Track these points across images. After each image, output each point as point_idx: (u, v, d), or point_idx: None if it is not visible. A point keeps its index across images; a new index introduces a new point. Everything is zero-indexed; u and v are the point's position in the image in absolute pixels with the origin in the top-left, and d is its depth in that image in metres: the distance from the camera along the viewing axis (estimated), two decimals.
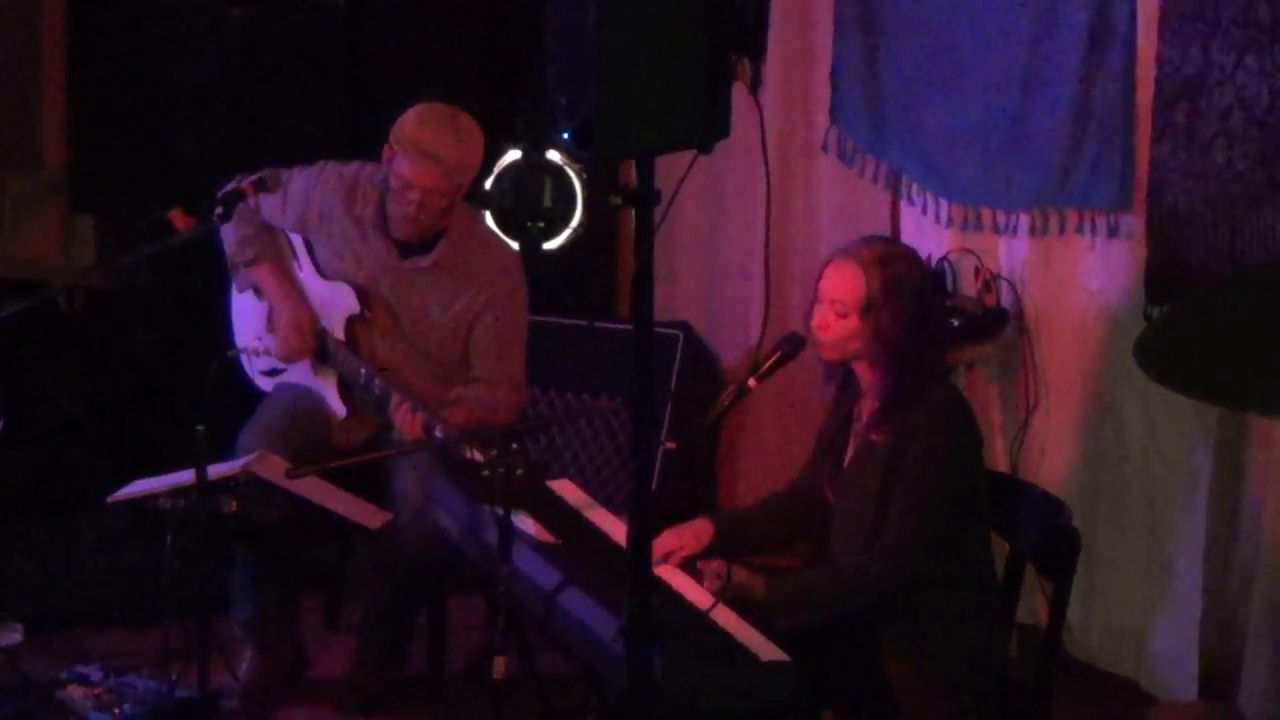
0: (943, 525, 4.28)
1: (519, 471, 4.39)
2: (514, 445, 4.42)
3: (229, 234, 5.37)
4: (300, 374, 5.39)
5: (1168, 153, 5.10)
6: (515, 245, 6.18)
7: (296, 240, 5.40)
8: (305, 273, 5.39)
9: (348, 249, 5.30)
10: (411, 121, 5.15)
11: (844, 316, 4.34)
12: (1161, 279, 5.13)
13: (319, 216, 5.32)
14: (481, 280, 5.26)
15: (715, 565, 4.30)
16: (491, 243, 5.44)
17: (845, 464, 4.48)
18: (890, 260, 4.36)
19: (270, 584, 5.32)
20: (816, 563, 4.55)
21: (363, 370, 5.20)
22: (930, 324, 4.41)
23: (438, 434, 4.95)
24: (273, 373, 5.45)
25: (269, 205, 5.32)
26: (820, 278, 4.41)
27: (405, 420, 5.03)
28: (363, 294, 5.28)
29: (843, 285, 4.34)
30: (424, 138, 5.11)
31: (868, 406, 4.44)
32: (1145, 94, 5.16)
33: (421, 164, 5.10)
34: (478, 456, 4.51)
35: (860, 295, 4.32)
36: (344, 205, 5.30)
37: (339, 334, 5.29)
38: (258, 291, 5.42)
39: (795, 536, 4.67)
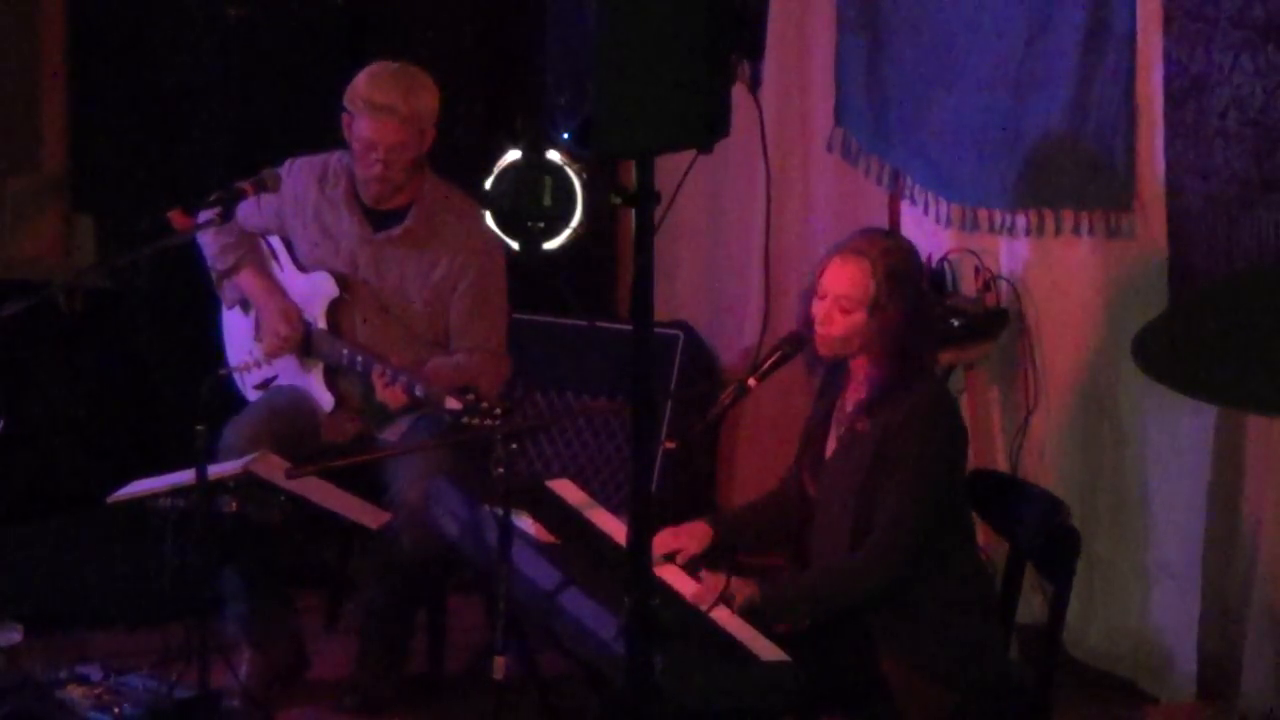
0: (935, 519, 4.28)
1: (499, 410, 4.50)
2: (513, 445, 4.44)
3: (209, 245, 5.41)
4: (288, 374, 5.41)
5: (1181, 151, 5.11)
6: (515, 245, 6.19)
7: (275, 242, 5.43)
8: (285, 272, 5.42)
9: (324, 233, 5.34)
10: (362, 82, 5.22)
11: (849, 313, 4.34)
12: (1183, 279, 5.13)
13: (294, 204, 5.36)
14: (456, 244, 5.29)
15: (714, 580, 4.29)
16: (463, 208, 5.43)
17: (827, 456, 4.48)
18: (892, 253, 4.37)
19: (263, 583, 5.32)
20: (797, 557, 4.55)
21: (345, 351, 5.23)
22: (927, 316, 4.42)
23: (417, 393, 5.00)
24: (264, 385, 5.47)
25: (246, 210, 5.34)
26: (823, 272, 4.40)
27: (386, 390, 5.05)
28: (342, 279, 5.30)
29: (850, 281, 4.33)
30: (375, 94, 5.17)
31: (853, 396, 4.44)
32: (1154, 93, 5.16)
33: (378, 120, 5.15)
34: (455, 405, 4.63)
35: (869, 292, 4.32)
36: (317, 189, 5.35)
37: (321, 323, 5.32)
38: (244, 305, 5.45)
39: (790, 532, 4.67)
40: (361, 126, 5.19)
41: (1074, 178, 5.35)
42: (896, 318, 4.31)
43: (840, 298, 4.35)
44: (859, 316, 4.34)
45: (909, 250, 4.45)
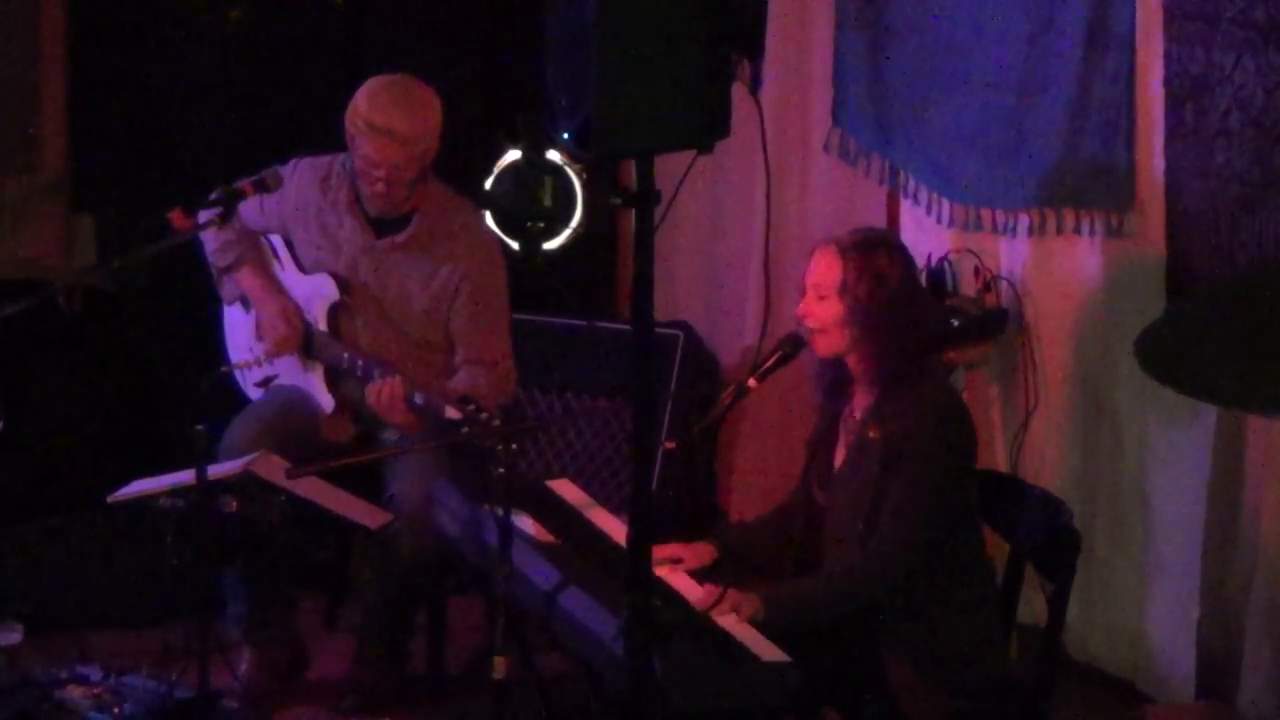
0: (936, 524, 4.28)
1: (497, 421, 4.53)
2: (513, 445, 4.44)
3: (210, 241, 5.40)
4: (289, 374, 5.41)
5: (1181, 151, 5.11)
6: (515, 245, 6.19)
7: (277, 242, 5.43)
8: (287, 272, 5.41)
9: (325, 237, 5.33)
10: (363, 101, 5.18)
11: (824, 299, 4.35)
12: (1180, 279, 5.13)
13: (296, 207, 5.35)
14: (458, 253, 5.27)
15: (708, 590, 4.30)
16: (466, 217, 5.42)
17: (837, 465, 4.48)
18: (869, 245, 4.37)
19: (263, 582, 5.32)
20: (806, 564, 4.54)
21: (345, 355, 5.22)
22: (917, 312, 4.41)
23: (417, 400, 4.99)
24: (265, 383, 5.47)
25: (248, 210, 5.34)
26: (805, 270, 4.42)
27: (384, 394, 5.05)
28: (343, 282, 5.30)
29: (821, 269, 4.36)
30: (376, 116, 5.13)
31: (860, 403, 4.44)
32: (1155, 93, 5.16)
33: (379, 142, 5.13)
34: (454, 415, 4.66)
35: (837, 277, 4.32)
36: (320, 192, 5.33)
37: (322, 325, 5.32)
38: (244, 302, 5.44)
39: (796, 545, 4.66)
40: (363, 145, 5.15)
41: (1076, 178, 5.35)
42: (869, 302, 4.31)
43: (815, 286, 4.36)
44: (833, 303, 4.34)
45: (889, 243, 4.44)
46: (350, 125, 5.17)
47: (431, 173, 5.30)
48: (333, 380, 5.34)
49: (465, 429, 4.67)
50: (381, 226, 5.30)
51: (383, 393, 5.06)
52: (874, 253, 4.35)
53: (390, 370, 5.10)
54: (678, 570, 4.43)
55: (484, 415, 4.68)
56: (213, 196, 5.04)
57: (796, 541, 4.59)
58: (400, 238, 5.28)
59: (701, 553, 4.52)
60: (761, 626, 4.19)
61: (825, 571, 4.39)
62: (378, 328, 5.31)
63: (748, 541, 4.63)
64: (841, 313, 4.33)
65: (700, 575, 4.45)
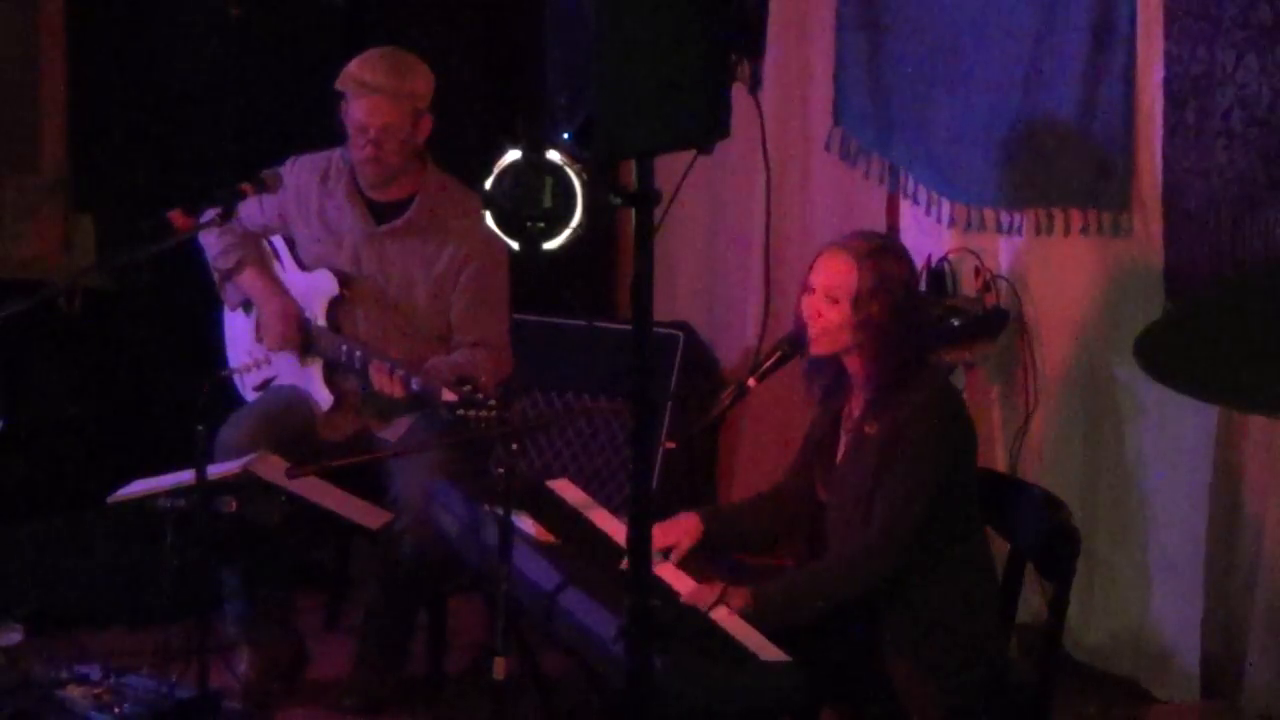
0: (931, 517, 4.28)
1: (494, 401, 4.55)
2: (513, 445, 4.44)
3: (211, 245, 5.42)
4: (288, 373, 5.41)
5: (1180, 151, 5.11)
6: (515, 245, 6.18)
7: (278, 242, 5.45)
8: (288, 272, 5.42)
9: (327, 230, 5.35)
10: (353, 65, 5.25)
11: (836, 303, 4.36)
12: (1178, 278, 5.13)
13: (296, 201, 5.37)
14: (459, 236, 5.29)
15: (709, 590, 4.29)
16: (466, 201, 5.41)
17: (838, 460, 4.48)
18: (881, 254, 4.38)
19: (263, 582, 5.32)
20: (809, 559, 4.55)
21: (344, 347, 5.23)
22: (918, 317, 4.43)
23: (414, 386, 5.00)
24: (264, 386, 5.47)
25: (248, 210, 5.35)
26: (812, 268, 4.43)
27: (384, 381, 5.06)
28: (342, 276, 5.31)
29: (835, 274, 4.37)
30: (365, 73, 5.20)
31: (859, 401, 4.45)
32: (1154, 93, 5.16)
33: (368, 100, 5.18)
34: (451, 398, 4.67)
35: (852, 285, 4.34)
36: (320, 185, 5.37)
37: (321, 320, 5.33)
38: (246, 308, 5.45)
39: (782, 537, 4.67)
40: (354, 108, 5.21)
41: (1080, 177, 5.35)
42: (880, 315, 4.33)
43: (826, 289, 4.37)
44: (844, 309, 4.35)
45: (898, 251, 4.47)
46: (342, 87, 5.22)
47: (430, 159, 5.31)
48: (331, 375, 5.35)
49: (462, 410, 4.68)
50: (382, 213, 5.32)
51: (383, 382, 5.08)
52: (885, 260, 4.37)
53: (387, 358, 5.11)
54: (676, 569, 4.43)
55: (480, 396, 4.69)
56: (214, 196, 5.05)
57: (781, 531, 4.60)
58: (400, 222, 5.30)
59: (690, 529, 4.52)
60: (753, 619, 4.19)
61: (812, 567, 4.40)
62: (378, 318, 5.32)
63: (731, 523, 4.62)
64: (850, 317, 4.34)
65: (694, 568, 4.44)
